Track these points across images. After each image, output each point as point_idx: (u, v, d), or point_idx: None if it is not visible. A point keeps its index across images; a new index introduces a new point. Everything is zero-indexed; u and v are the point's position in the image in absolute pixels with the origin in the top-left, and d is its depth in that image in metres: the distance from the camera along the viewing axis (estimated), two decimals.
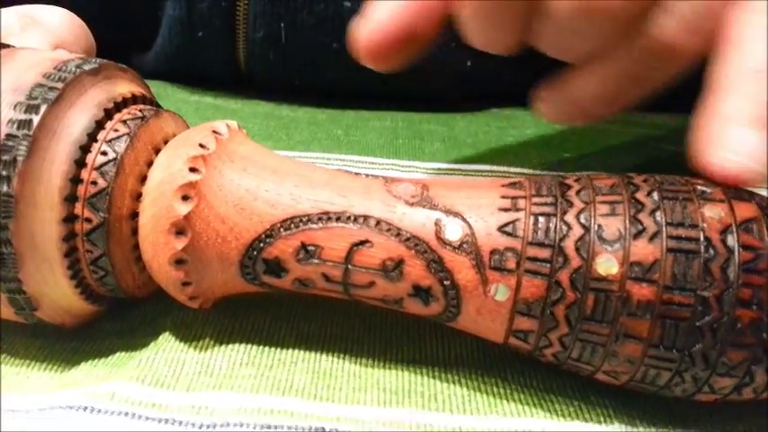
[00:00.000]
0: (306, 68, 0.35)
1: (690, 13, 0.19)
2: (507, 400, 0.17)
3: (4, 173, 0.15)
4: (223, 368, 0.18)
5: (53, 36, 0.22)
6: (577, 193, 0.15)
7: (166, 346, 0.18)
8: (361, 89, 0.35)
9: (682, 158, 0.18)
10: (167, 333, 0.19)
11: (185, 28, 0.35)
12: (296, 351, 0.18)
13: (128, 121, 0.17)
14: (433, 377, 0.18)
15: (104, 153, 0.16)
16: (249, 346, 0.18)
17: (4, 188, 0.15)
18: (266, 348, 0.18)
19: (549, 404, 0.17)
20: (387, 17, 0.20)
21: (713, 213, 0.14)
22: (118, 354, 0.18)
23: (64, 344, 0.18)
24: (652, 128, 0.33)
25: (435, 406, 0.17)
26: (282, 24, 0.33)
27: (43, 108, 0.15)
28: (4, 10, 0.23)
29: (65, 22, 0.22)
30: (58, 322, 0.17)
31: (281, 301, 0.20)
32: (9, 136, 0.15)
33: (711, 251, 0.14)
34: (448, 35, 0.21)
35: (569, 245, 0.15)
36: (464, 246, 0.15)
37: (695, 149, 0.17)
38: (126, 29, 0.36)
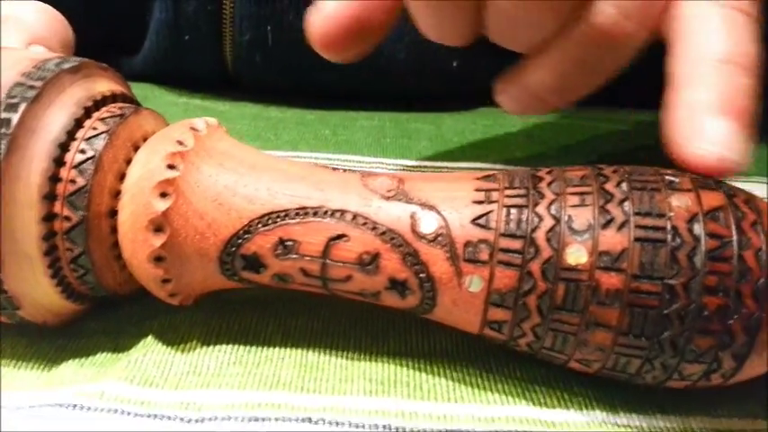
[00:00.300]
0: (293, 71, 0.35)
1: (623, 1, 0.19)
2: (491, 390, 0.18)
3: None
4: (211, 368, 0.18)
5: (30, 32, 0.23)
6: (549, 184, 0.16)
7: (154, 348, 0.18)
8: (347, 90, 0.35)
9: (658, 152, 0.18)
10: (155, 334, 0.19)
11: (172, 31, 0.35)
12: (282, 347, 0.19)
13: (107, 119, 0.17)
14: (418, 368, 0.18)
15: (83, 151, 0.16)
16: (236, 345, 0.19)
17: None
18: (253, 347, 0.19)
19: (531, 393, 0.18)
20: (339, 7, 0.21)
21: (680, 203, 0.15)
22: (105, 353, 0.18)
23: (50, 342, 0.18)
24: (637, 125, 0.33)
25: (420, 395, 0.17)
26: (269, 27, 0.33)
27: (22, 107, 0.15)
28: None
29: (41, 17, 0.22)
30: (40, 321, 0.17)
31: (268, 300, 0.20)
32: None
33: (678, 240, 0.14)
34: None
35: (540, 236, 0.15)
36: (439, 238, 0.15)
37: (672, 143, 0.17)
38: (114, 32, 0.36)
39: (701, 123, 0.17)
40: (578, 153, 0.30)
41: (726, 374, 0.15)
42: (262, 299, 0.20)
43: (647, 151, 0.18)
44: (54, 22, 0.23)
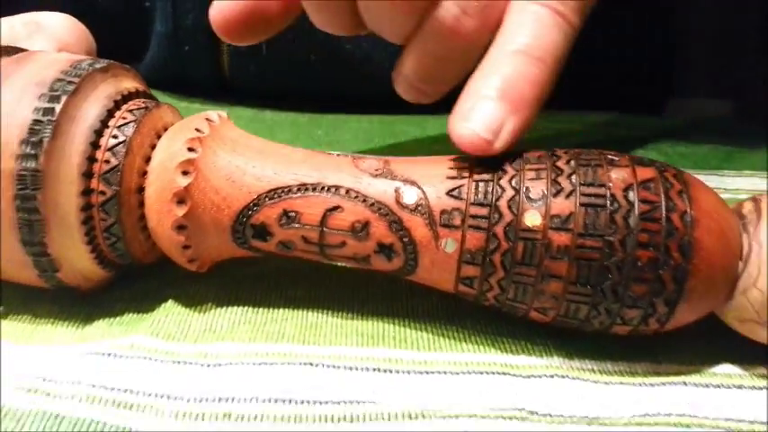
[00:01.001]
0: (285, 77, 0.38)
1: None
2: (465, 342, 0.20)
3: (32, 152, 0.18)
4: (224, 326, 0.20)
5: (57, 40, 0.25)
6: (510, 163, 0.19)
7: (174, 310, 0.21)
8: (337, 95, 0.38)
9: (607, 146, 0.21)
10: (173, 300, 0.22)
11: (172, 42, 0.37)
12: (286, 311, 0.21)
13: (134, 111, 0.20)
14: (404, 325, 0.21)
15: (115, 137, 0.19)
16: (245, 309, 0.21)
17: (33, 164, 0.18)
18: (259, 310, 0.21)
19: (499, 344, 0.20)
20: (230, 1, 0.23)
21: (618, 175, 0.18)
22: (130, 315, 0.21)
23: (81, 308, 0.21)
24: (590, 125, 0.37)
25: (405, 346, 0.20)
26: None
27: (64, 98, 0.18)
28: (9, 18, 0.26)
29: (67, 27, 0.25)
30: (74, 284, 0.20)
31: (272, 274, 0.23)
32: (36, 121, 0.18)
33: (616, 204, 0.17)
34: None
35: (503, 204, 0.18)
36: (419, 208, 0.18)
37: (449, 121, 0.19)
38: (119, 43, 0.39)
39: (473, 105, 0.19)
40: (540, 148, 0.34)
41: (661, 319, 0.18)
42: (266, 273, 0.23)
43: (596, 146, 0.21)
44: (78, 31, 0.25)
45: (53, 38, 0.24)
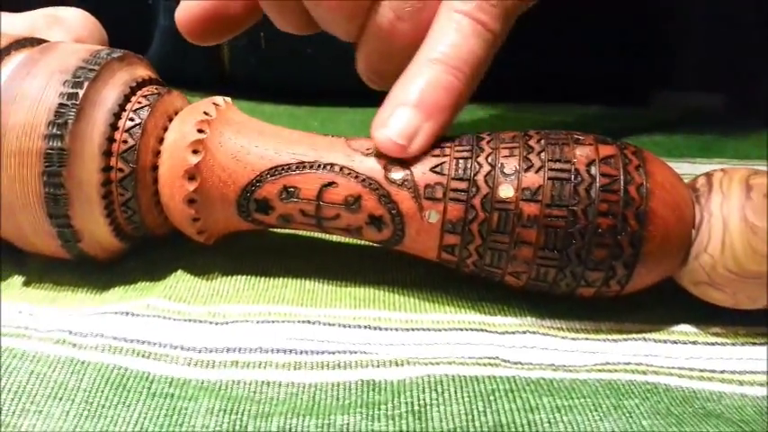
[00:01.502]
0: (283, 72, 0.39)
1: (399, 4, 0.22)
2: (449, 305, 0.23)
3: (58, 132, 0.20)
4: (230, 291, 0.23)
5: (73, 32, 0.27)
6: (487, 143, 0.21)
7: (184, 278, 0.23)
8: (333, 89, 0.39)
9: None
10: (183, 269, 0.24)
11: (175, 37, 0.39)
12: (285, 279, 0.23)
13: (148, 96, 0.22)
14: (393, 291, 0.23)
15: (132, 119, 0.21)
16: (249, 277, 0.23)
17: (59, 143, 0.20)
18: (262, 278, 0.23)
19: (479, 307, 0.22)
20: (195, 3, 0.25)
21: (582, 152, 0.20)
22: (144, 283, 0.23)
23: (98, 276, 0.23)
24: (567, 115, 0.39)
25: (393, 308, 0.22)
26: (262, 33, 0.37)
27: (86, 84, 0.20)
28: (31, 12, 0.28)
29: (82, 20, 0.27)
30: (92, 254, 0.22)
31: (272, 247, 0.25)
32: (61, 105, 0.20)
33: (579, 178, 0.19)
34: None
35: (480, 178, 0.20)
36: (405, 183, 0.20)
37: (371, 128, 0.21)
38: (122, 38, 0.41)
39: (390, 112, 0.21)
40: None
41: (621, 281, 0.20)
42: (267, 246, 0.25)
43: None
44: (91, 25, 0.27)
45: (70, 30, 0.26)
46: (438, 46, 0.21)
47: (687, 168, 0.34)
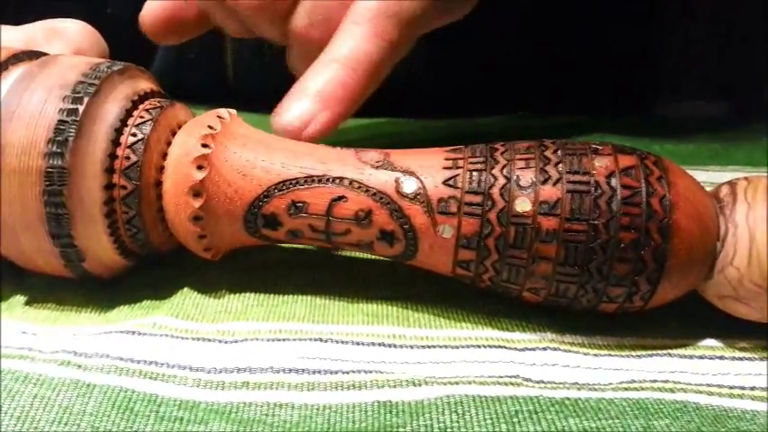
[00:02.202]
0: (288, 83, 0.39)
1: (314, 12, 0.25)
2: (464, 321, 0.22)
3: (58, 150, 0.19)
4: (238, 308, 0.22)
5: (73, 45, 0.27)
6: (502, 153, 0.20)
7: (190, 295, 0.22)
8: None
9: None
10: (189, 287, 0.23)
11: (178, 50, 0.39)
12: (295, 295, 0.23)
13: (150, 110, 0.21)
14: (406, 307, 0.22)
15: (134, 134, 0.20)
16: (257, 293, 0.23)
17: (59, 162, 0.19)
18: (271, 294, 0.23)
19: (495, 322, 0.22)
20: (159, 6, 0.28)
21: (601, 163, 0.19)
22: (150, 301, 0.22)
23: (103, 294, 0.22)
24: (578, 125, 0.38)
25: (407, 324, 0.22)
26: (266, 45, 0.37)
27: (86, 100, 0.19)
28: (29, 25, 0.27)
29: (81, 33, 0.26)
30: (97, 273, 0.21)
31: (281, 262, 0.25)
32: (61, 122, 0.19)
33: (599, 190, 0.19)
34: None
35: (495, 191, 0.19)
36: (418, 197, 0.20)
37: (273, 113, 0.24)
38: (125, 52, 0.40)
39: (290, 102, 0.24)
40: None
41: (644, 296, 0.19)
42: (275, 261, 0.25)
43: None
44: (92, 37, 0.27)
45: (69, 42, 0.26)
46: (338, 49, 0.25)
47: (702, 176, 0.33)
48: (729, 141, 0.38)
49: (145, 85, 0.22)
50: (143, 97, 0.21)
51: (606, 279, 0.19)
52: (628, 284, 0.19)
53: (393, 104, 0.40)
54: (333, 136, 0.38)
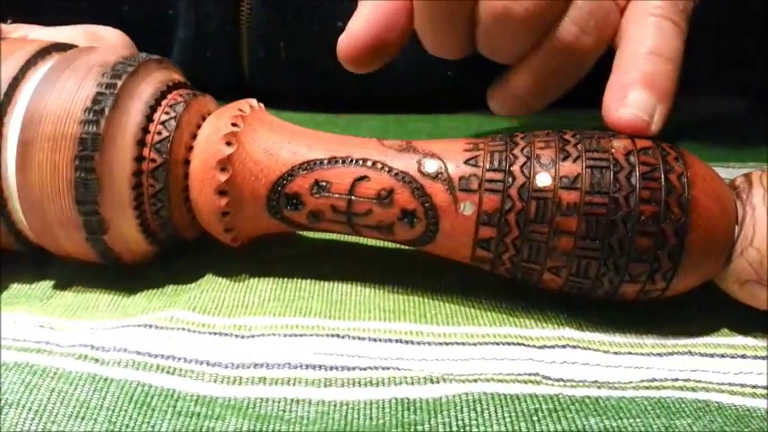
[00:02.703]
0: (303, 80, 0.40)
1: (586, 18, 0.24)
2: (481, 316, 0.22)
3: (94, 118, 0.20)
4: (255, 303, 0.22)
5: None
6: (522, 138, 0.21)
7: (208, 287, 0.22)
8: (352, 96, 0.39)
9: None
10: (208, 278, 0.23)
11: (195, 48, 0.40)
12: (312, 289, 0.23)
13: (183, 95, 0.22)
14: (423, 302, 0.22)
15: (167, 113, 0.21)
16: (274, 287, 0.23)
17: (94, 129, 0.20)
18: (287, 289, 0.23)
19: (514, 318, 0.21)
20: (361, 32, 0.26)
21: (619, 143, 0.20)
22: (168, 293, 0.22)
23: (121, 286, 0.22)
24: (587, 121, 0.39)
25: (424, 320, 0.21)
26: (282, 44, 0.38)
27: (124, 76, 0.20)
28: (68, 27, 0.28)
29: (119, 40, 0.28)
30: (117, 251, 0.21)
31: (297, 257, 0.25)
32: (99, 93, 0.20)
33: (619, 166, 0.19)
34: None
35: (516, 168, 0.20)
36: (439, 176, 0.20)
37: (605, 111, 0.22)
38: (141, 49, 0.41)
39: (625, 93, 0.22)
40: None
41: (666, 275, 0.19)
42: (291, 256, 0.25)
43: None
44: (130, 46, 0.28)
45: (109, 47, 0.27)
46: (645, 42, 0.23)
47: (723, 173, 0.33)
48: (748, 138, 0.38)
49: (177, 75, 0.23)
50: (177, 85, 0.22)
51: (627, 254, 0.19)
52: (649, 260, 0.19)
53: (413, 101, 0.40)
54: (349, 130, 0.38)
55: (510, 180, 0.19)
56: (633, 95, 0.22)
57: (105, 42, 0.26)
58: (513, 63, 0.26)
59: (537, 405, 0.18)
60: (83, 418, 0.17)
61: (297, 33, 0.39)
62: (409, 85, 0.37)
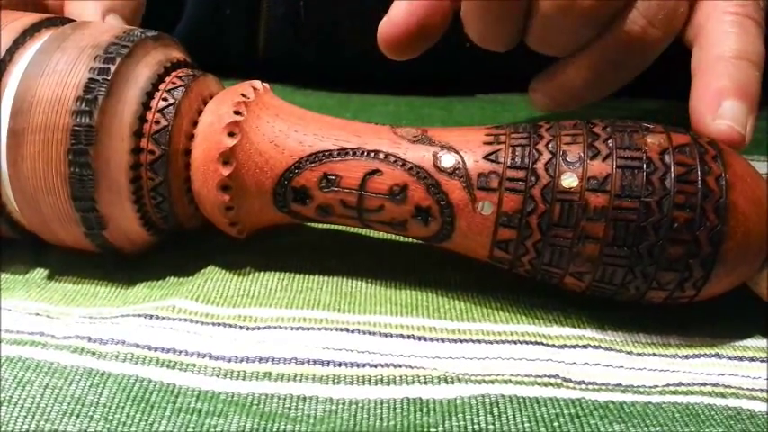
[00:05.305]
0: (321, 44, 0.38)
1: (654, 10, 0.23)
2: (498, 312, 0.21)
3: (87, 108, 0.18)
4: (261, 293, 0.21)
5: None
6: (547, 130, 0.19)
7: (212, 277, 0.22)
8: (367, 67, 0.36)
9: None
10: (212, 267, 0.22)
11: (211, 5, 0.38)
12: (320, 280, 0.22)
13: (182, 77, 0.20)
14: (437, 296, 0.21)
15: (165, 99, 0.20)
16: (281, 277, 0.22)
17: (87, 120, 0.18)
18: (295, 279, 0.22)
19: (532, 315, 0.21)
20: (403, 16, 0.25)
21: (654, 140, 0.18)
22: (170, 281, 0.21)
23: (123, 273, 0.22)
24: (632, 111, 0.37)
25: (438, 315, 0.20)
26: (302, 2, 0.36)
27: (118, 60, 0.19)
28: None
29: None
30: (117, 245, 0.20)
31: (305, 246, 0.24)
32: (91, 80, 0.19)
33: (652, 167, 0.17)
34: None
35: (540, 167, 0.18)
36: (456, 171, 0.19)
37: (697, 120, 0.21)
38: (148, 13, 0.39)
39: (719, 102, 0.21)
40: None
41: (697, 284, 0.18)
42: (300, 243, 0.24)
43: None
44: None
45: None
46: (731, 44, 0.22)
47: (762, 168, 0.32)
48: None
49: (177, 53, 0.21)
50: (175, 65, 0.21)
51: (657, 262, 0.18)
52: (680, 269, 0.18)
53: (428, 78, 0.38)
54: (361, 114, 0.36)
55: (533, 179, 0.18)
56: (727, 106, 0.21)
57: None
58: (564, 56, 0.25)
59: (558, 410, 0.17)
60: (78, 416, 0.16)
61: None
62: (426, 57, 0.35)
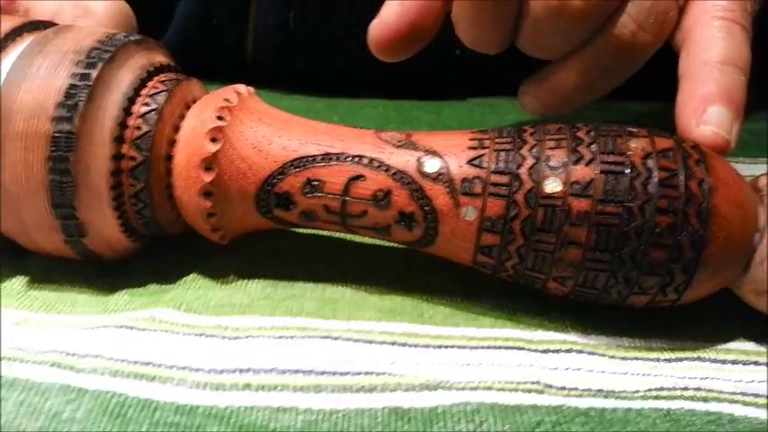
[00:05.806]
0: (310, 54, 0.38)
1: (645, 14, 0.23)
2: (482, 317, 0.21)
3: (68, 114, 0.18)
4: (243, 301, 0.21)
5: (101, 26, 0.26)
6: (531, 134, 0.19)
7: (194, 284, 0.21)
8: (357, 72, 0.37)
9: None
10: (194, 275, 0.22)
11: (201, 13, 0.38)
12: (303, 287, 0.21)
13: (165, 81, 0.20)
14: (421, 300, 0.21)
15: (147, 104, 0.19)
16: (264, 284, 0.22)
17: (68, 126, 0.18)
18: (278, 287, 0.21)
19: (516, 320, 0.20)
20: (395, 17, 0.25)
21: (637, 144, 0.18)
22: (152, 289, 0.21)
23: (103, 280, 0.21)
24: (620, 113, 0.37)
25: (422, 320, 0.20)
26: (292, 14, 0.36)
27: (100, 65, 0.19)
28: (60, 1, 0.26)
29: (111, 13, 0.25)
30: (98, 252, 0.20)
31: (290, 251, 0.23)
32: (72, 86, 0.18)
33: (635, 171, 0.18)
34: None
35: (524, 171, 0.18)
36: (440, 177, 0.19)
37: (683, 126, 0.21)
38: (142, 13, 0.39)
39: (704, 108, 0.21)
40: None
41: (678, 288, 0.18)
42: (284, 250, 0.23)
43: None
44: (123, 18, 0.26)
45: (97, 24, 0.25)
46: (717, 50, 0.22)
47: (744, 170, 0.32)
48: (760, 133, 0.36)
49: (161, 57, 0.21)
50: (158, 69, 0.21)
51: (639, 267, 0.18)
52: (662, 273, 0.18)
53: (417, 82, 0.38)
54: (349, 118, 0.36)
55: (516, 184, 0.18)
56: (713, 111, 0.21)
57: (95, 18, 0.24)
58: (555, 59, 0.25)
59: (539, 417, 0.17)
60: None
61: (308, 2, 0.36)
62: (415, 61, 0.35)
